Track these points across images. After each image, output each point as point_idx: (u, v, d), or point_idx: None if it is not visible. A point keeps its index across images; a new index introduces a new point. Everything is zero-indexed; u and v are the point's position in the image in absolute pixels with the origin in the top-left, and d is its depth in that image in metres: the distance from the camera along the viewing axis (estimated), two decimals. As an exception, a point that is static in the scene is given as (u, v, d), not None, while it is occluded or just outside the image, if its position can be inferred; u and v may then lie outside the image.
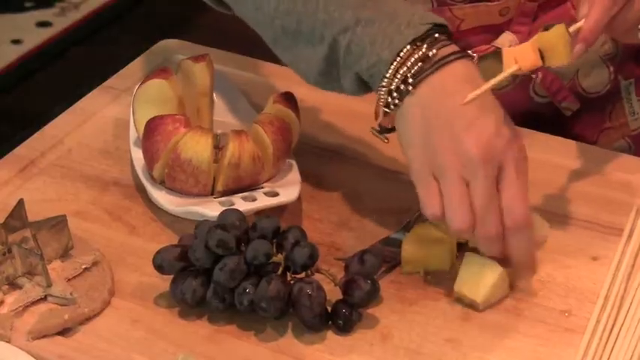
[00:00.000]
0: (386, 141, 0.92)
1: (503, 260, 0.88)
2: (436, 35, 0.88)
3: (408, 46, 0.87)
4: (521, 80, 1.14)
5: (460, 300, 0.88)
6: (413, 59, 0.87)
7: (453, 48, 0.88)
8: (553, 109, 1.16)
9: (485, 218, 0.85)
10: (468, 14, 1.09)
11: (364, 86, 0.92)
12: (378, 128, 0.92)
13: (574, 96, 1.16)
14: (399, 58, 0.87)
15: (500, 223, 0.86)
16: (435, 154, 0.86)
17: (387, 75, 0.88)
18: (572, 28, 0.90)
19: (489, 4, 1.09)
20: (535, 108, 1.14)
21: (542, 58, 0.87)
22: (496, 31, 1.11)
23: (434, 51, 0.87)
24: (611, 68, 1.17)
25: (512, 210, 0.85)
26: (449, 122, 0.86)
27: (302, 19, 0.93)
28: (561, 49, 0.87)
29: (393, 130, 0.91)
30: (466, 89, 0.86)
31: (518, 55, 0.87)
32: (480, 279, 0.87)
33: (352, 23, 0.90)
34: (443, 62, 0.87)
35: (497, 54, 1.11)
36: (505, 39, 1.11)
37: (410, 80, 0.87)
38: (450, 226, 0.86)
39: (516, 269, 0.90)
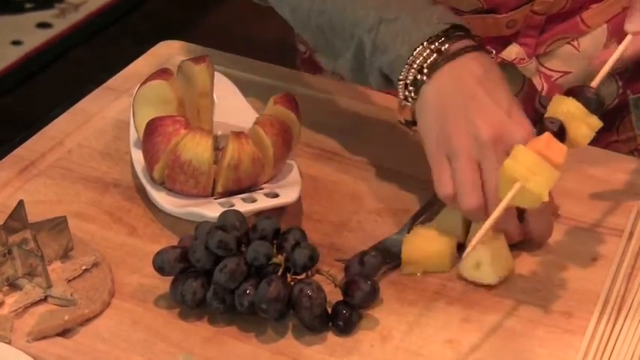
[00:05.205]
0: (412, 132, 0.97)
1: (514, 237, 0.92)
2: (453, 32, 0.93)
3: (425, 43, 0.93)
4: (527, 91, 1.14)
5: (471, 287, 0.90)
6: (427, 52, 0.92)
7: (468, 42, 0.94)
8: None
9: (496, 198, 0.86)
10: (475, 25, 1.09)
11: (388, 81, 0.97)
12: (403, 121, 0.97)
13: None
14: (415, 53, 0.93)
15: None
16: (450, 138, 0.90)
17: (404, 69, 0.93)
18: (621, 47, 0.90)
19: (497, 16, 1.09)
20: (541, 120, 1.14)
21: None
22: (503, 42, 1.11)
23: (446, 45, 0.93)
24: (620, 83, 1.17)
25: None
26: (462, 106, 0.90)
27: (333, 18, 0.99)
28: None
29: (415, 122, 0.96)
30: (479, 77, 0.91)
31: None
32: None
33: (376, 23, 0.95)
34: (456, 54, 0.92)
35: (503, 66, 1.11)
36: (512, 51, 1.11)
37: (425, 71, 0.92)
38: (461, 206, 0.89)
39: (535, 244, 0.93)
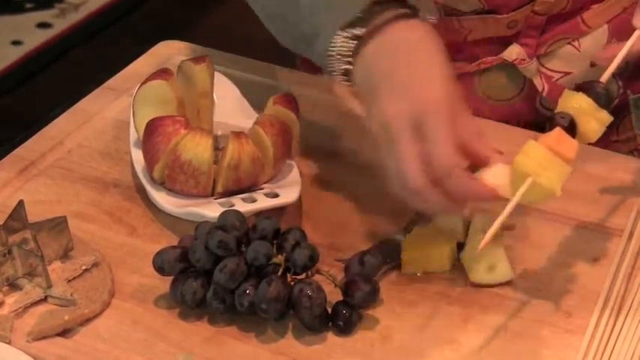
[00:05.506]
0: None
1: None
2: (371, 9, 0.88)
3: (339, 31, 0.89)
4: (527, 92, 1.14)
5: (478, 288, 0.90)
6: (343, 40, 0.89)
7: (390, 14, 0.88)
8: None
9: (404, 175, 0.84)
10: (476, 26, 1.09)
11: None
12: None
13: None
14: (334, 43, 0.89)
15: (419, 177, 0.83)
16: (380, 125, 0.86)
17: (332, 60, 0.90)
18: (629, 42, 0.90)
19: (497, 16, 1.09)
20: (541, 120, 1.14)
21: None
22: (504, 43, 1.11)
23: (362, 29, 0.88)
24: (620, 83, 1.17)
25: (435, 160, 0.82)
26: (380, 91, 0.86)
27: (290, 14, 0.95)
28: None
29: None
30: (399, 51, 0.87)
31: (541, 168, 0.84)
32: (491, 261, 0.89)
33: (314, 8, 0.92)
34: (373, 34, 0.87)
35: (504, 66, 1.11)
36: (512, 51, 1.11)
37: (349, 59, 0.89)
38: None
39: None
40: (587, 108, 0.87)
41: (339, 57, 0.89)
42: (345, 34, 0.89)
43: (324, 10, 0.92)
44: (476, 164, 0.84)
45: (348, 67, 0.89)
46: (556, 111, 0.88)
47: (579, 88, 0.88)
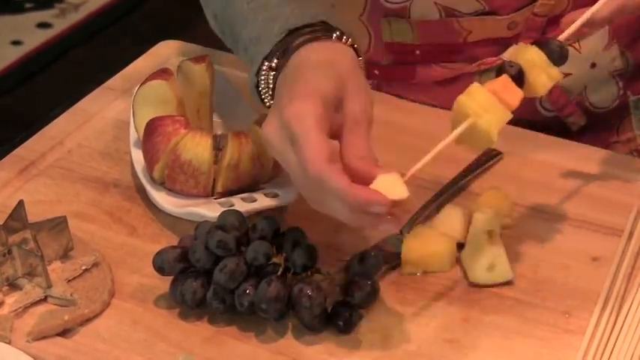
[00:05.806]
0: None
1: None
2: (291, 36, 0.88)
3: (261, 63, 0.89)
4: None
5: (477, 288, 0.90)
6: (264, 74, 0.89)
7: (297, 42, 0.87)
8: (559, 123, 1.16)
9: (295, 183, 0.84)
10: (476, 26, 1.09)
11: None
12: None
13: (581, 111, 1.16)
14: (259, 76, 0.90)
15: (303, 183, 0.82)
16: None
17: (261, 96, 0.90)
18: (594, 7, 0.90)
19: (497, 17, 1.09)
20: (541, 121, 1.14)
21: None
22: (504, 43, 1.11)
23: (275, 61, 0.88)
24: (621, 84, 1.17)
25: (304, 167, 0.80)
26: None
27: (234, 29, 0.96)
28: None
29: None
30: (289, 82, 0.85)
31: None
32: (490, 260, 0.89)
33: (247, 42, 0.93)
34: (285, 63, 0.87)
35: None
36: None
37: (270, 93, 0.89)
38: None
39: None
40: (539, 62, 0.87)
41: (265, 91, 0.90)
42: (265, 67, 0.89)
43: (254, 42, 0.92)
44: (359, 183, 0.80)
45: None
46: (506, 59, 0.88)
47: (535, 42, 0.89)
